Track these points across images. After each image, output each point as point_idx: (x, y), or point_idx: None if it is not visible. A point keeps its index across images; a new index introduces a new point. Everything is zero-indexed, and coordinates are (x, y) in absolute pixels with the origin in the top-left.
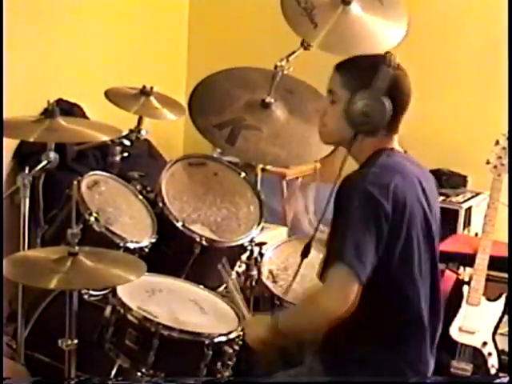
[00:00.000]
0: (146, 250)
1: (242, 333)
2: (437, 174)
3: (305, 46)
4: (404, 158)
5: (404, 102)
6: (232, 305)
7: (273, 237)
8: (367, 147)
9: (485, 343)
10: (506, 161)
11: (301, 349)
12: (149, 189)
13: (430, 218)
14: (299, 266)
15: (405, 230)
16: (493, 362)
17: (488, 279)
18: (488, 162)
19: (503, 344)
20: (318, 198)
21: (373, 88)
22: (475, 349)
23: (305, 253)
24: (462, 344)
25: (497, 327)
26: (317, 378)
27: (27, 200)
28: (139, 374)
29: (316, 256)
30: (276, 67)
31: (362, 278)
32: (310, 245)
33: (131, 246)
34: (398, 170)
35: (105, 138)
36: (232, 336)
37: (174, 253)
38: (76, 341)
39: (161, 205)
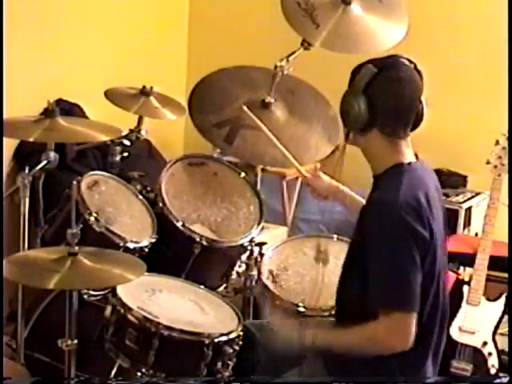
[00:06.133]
0: (146, 249)
1: (241, 333)
2: (436, 174)
3: (305, 46)
4: (421, 171)
5: (389, 105)
6: (232, 305)
7: (273, 237)
8: (379, 153)
9: (485, 343)
10: (506, 161)
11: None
12: (149, 189)
13: (444, 225)
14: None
15: (433, 246)
16: (493, 362)
17: (488, 279)
18: (488, 162)
19: (503, 344)
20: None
21: (353, 86)
22: (475, 349)
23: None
24: (461, 344)
25: (497, 327)
26: (318, 378)
27: (27, 200)
28: (139, 373)
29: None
30: (276, 67)
31: (418, 308)
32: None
33: (131, 245)
34: (421, 187)
35: (105, 138)
36: (232, 336)
37: (174, 253)
38: (76, 341)
39: (161, 205)
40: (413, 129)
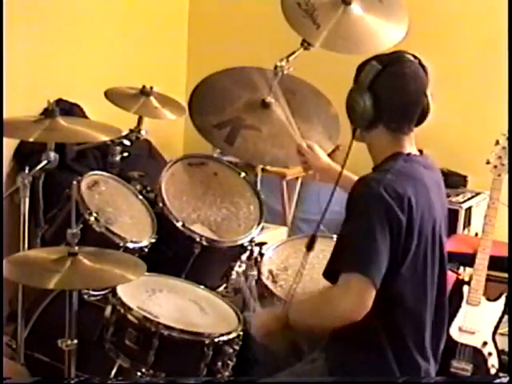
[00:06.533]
0: (146, 250)
1: (242, 332)
2: None
3: (305, 46)
4: (420, 164)
5: (394, 101)
6: (232, 305)
7: (273, 237)
8: (381, 147)
9: (485, 343)
10: (506, 161)
11: (310, 343)
12: (149, 189)
13: (441, 225)
14: (304, 259)
15: (416, 238)
16: (493, 362)
17: (488, 279)
18: (488, 162)
19: (503, 344)
20: (319, 198)
21: (358, 83)
22: (475, 349)
23: (310, 246)
24: (461, 344)
25: (497, 327)
26: (319, 378)
27: (27, 200)
28: (139, 373)
29: (315, 255)
30: (276, 67)
31: (377, 284)
32: (315, 238)
33: (131, 245)
34: (414, 177)
35: (105, 138)
36: (232, 336)
37: (174, 253)
38: (76, 341)
39: (161, 205)
40: (418, 124)
